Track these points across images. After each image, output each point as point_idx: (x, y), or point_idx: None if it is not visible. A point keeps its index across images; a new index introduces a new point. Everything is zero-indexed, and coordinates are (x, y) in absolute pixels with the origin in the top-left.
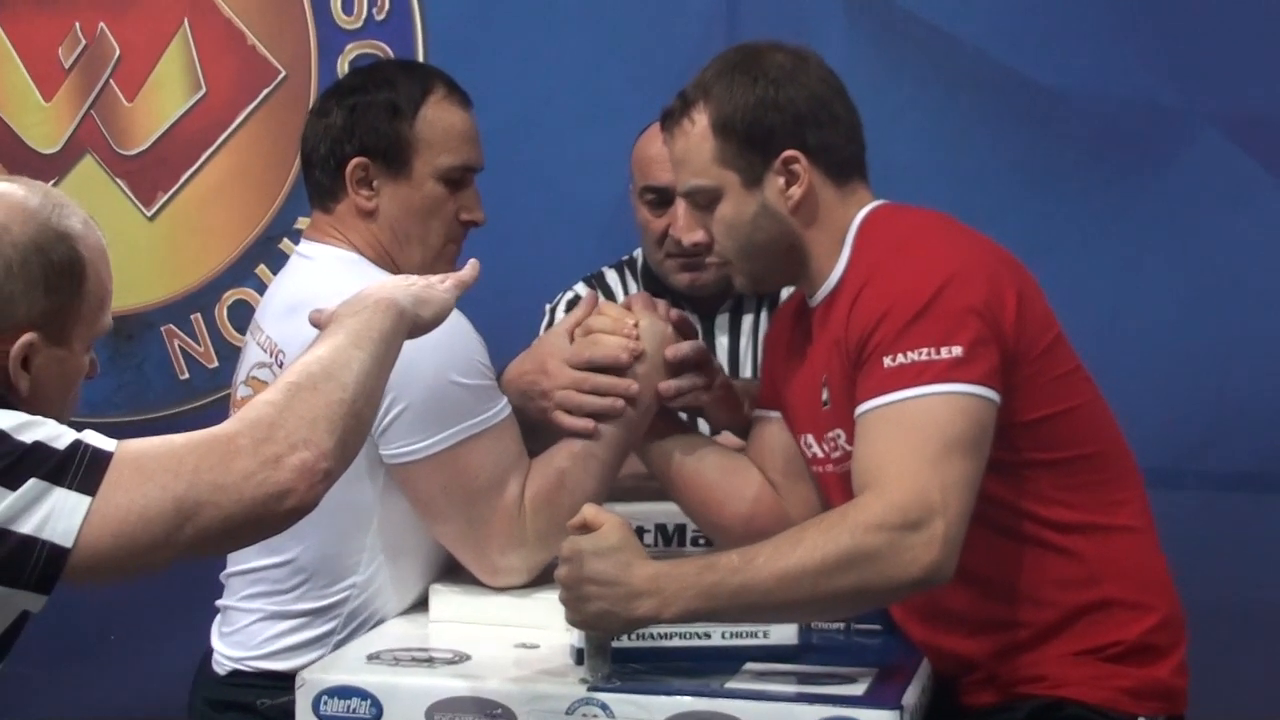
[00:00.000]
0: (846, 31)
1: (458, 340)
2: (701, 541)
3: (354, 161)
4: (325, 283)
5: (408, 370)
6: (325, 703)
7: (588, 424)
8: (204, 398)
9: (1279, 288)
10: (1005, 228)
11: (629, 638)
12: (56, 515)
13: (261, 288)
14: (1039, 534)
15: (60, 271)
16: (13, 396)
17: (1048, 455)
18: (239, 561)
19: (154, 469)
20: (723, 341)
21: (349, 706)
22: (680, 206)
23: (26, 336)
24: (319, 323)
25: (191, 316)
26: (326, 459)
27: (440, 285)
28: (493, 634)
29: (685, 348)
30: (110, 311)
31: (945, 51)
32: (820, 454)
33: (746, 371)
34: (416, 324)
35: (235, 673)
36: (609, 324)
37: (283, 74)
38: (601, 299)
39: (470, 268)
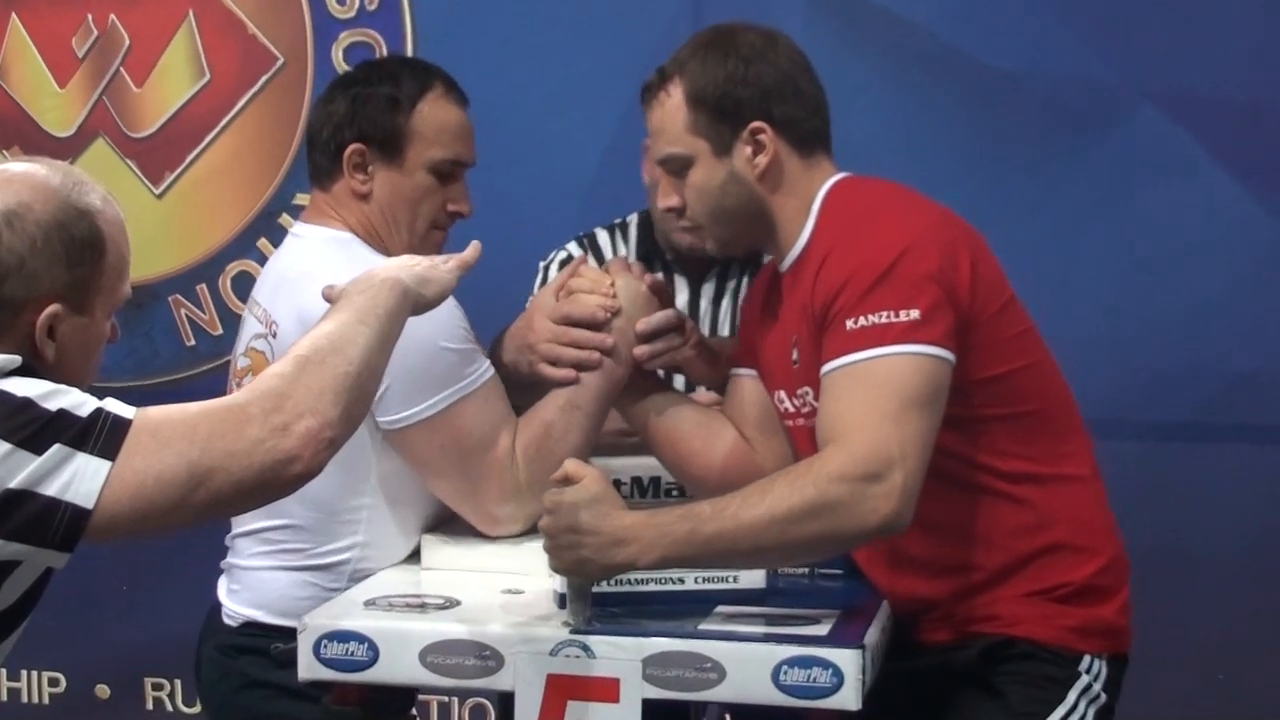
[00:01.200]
0: (807, 15)
1: (443, 309)
2: (675, 493)
3: (352, 147)
4: (315, 260)
5: (400, 342)
6: (325, 646)
7: (570, 373)
8: (208, 363)
9: (1210, 251)
10: (955, 198)
11: (608, 583)
12: (79, 479)
13: (262, 260)
14: (992, 484)
15: (82, 246)
16: (39, 364)
17: (1001, 410)
18: (245, 524)
19: (170, 436)
20: (706, 303)
21: (348, 650)
22: (657, 172)
23: (51, 307)
24: (330, 298)
25: (197, 287)
26: (331, 427)
27: (444, 266)
28: (481, 580)
29: (654, 320)
30: (129, 281)
31: (899, 34)
32: (791, 409)
33: (726, 331)
34: (419, 302)
35: (247, 624)
36: (588, 284)
37: (281, 61)
38: (589, 261)
39: (472, 249)
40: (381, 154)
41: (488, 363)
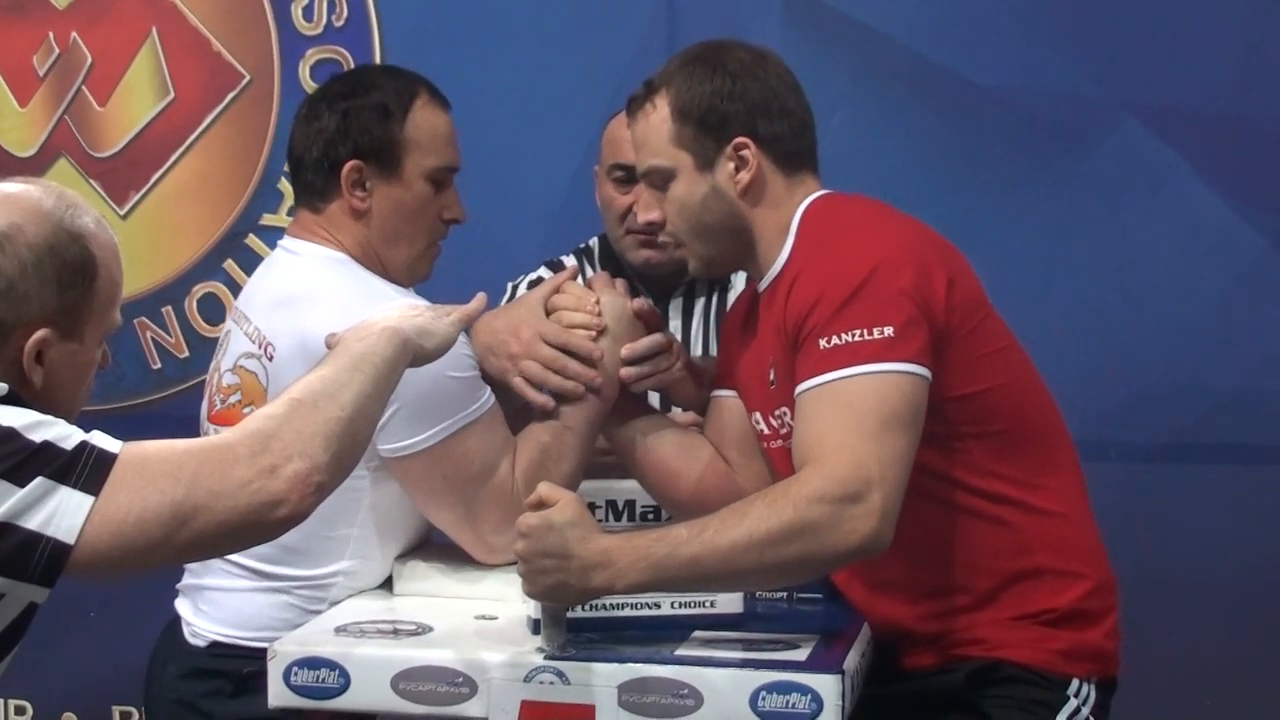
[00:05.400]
0: (782, 31)
1: None
2: (651, 516)
3: (349, 164)
4: (316, 282)
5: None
6: (295, 673)
7: (549, 401)
8: (175, 387)
9: (1194, 269)
10: (936, 215)
11: (584, 608)
12: (61, 513)
13: (229, 281)
14: (972, 504)
15: (73, 270)
16: (25, 391)
17: (978, 428)
18: None
19: (155, 473)
20: (675, 324)
21: (318, 676)
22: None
23: (40, 332)
24: (331, 345)
25: (163, 309)
26: (320, 472)
27: (446, 318)
28: (454, 606)
29: (640, 346)
30: (120, 307)
31: (877, 49)
32: (768, 430)
33: (697, 352)
34: (419, 354)
35: (216, 644)
36: (572, 301)
37: (247, 78)
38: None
39: (477, 301)
40: (379, 168)
41: (489, 391)
